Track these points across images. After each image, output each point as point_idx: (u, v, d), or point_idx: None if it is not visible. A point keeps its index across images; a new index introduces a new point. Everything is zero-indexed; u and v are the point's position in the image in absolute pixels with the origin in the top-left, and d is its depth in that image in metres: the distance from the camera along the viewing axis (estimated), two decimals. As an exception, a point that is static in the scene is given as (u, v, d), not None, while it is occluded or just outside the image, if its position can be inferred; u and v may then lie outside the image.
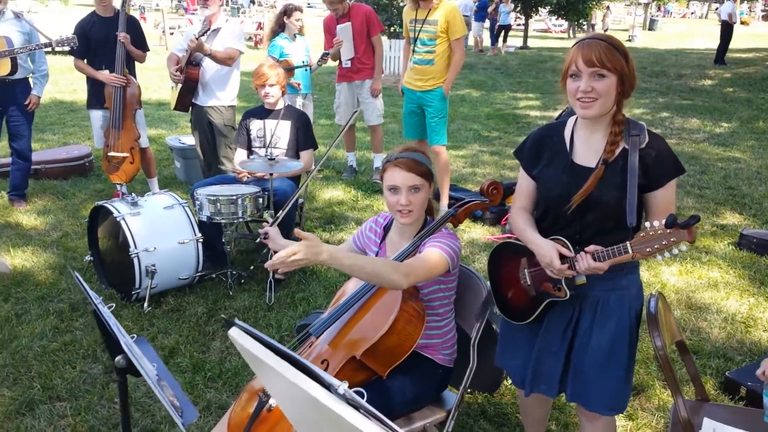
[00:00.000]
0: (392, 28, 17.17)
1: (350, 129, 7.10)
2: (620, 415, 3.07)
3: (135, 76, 5.63)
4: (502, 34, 21.44)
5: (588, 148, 2.14)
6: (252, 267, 4.57)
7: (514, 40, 24.10)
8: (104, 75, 5.41)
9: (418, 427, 2.42)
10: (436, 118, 5.69)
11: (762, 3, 48.21)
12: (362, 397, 1.51)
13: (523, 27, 25.14)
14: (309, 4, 39.21)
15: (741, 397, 3.17)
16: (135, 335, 2.14)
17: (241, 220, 4.31)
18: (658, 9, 44.23)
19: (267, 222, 4.29)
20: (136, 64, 5.73)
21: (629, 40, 25.29)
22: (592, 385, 2.22)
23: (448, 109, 5.83)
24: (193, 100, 5.59)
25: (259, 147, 4.72)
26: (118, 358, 1.96)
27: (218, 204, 4.16)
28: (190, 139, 6.24)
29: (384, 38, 15.86)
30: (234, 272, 4.45)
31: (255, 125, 4.75)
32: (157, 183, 6.21)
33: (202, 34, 5.26)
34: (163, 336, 3.78)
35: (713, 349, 3.67)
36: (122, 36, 5.36)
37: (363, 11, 6.61)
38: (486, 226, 5.61)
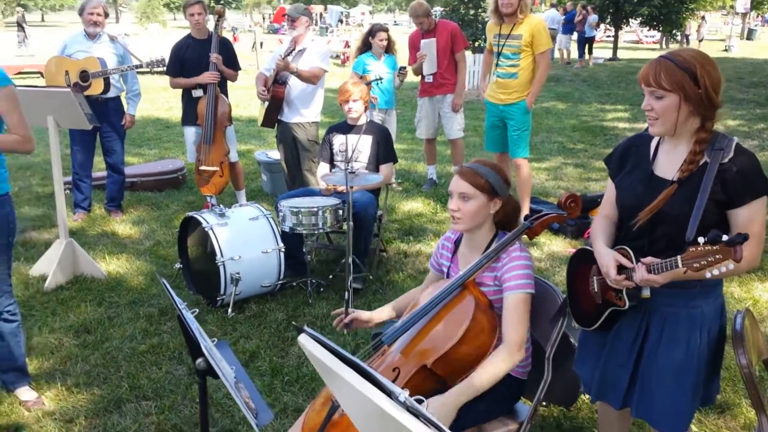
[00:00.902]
0: (476, 43, 17.16)
1: (431, 142, 7.15)
2: (704, 435, 2.96)
3: (226, 95, 5.89)
4: (586, 45, 21.01)
5: (670, 160, 2.10)
6: (331, 276, 4.67)
7: (604, 52, 23.56)
8: (200, 77, 5.65)
9: (490, 438, 2.42)
10: (518, 131, 5.65)
11: None
12: (422, 405, 1.54)
13: (612, 38, 24.53)
14: (396, 22, 39.67)
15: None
16: (216, 339, 2.25)
17: (321, 230, 4.43)
18: (757, 17, 42.18)
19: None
20: (228, 83, 5.98)
21: (726, 50, 24.28)
22: (657, 403, 2.17)
23: (532, 122, 5.79)
24: (278, 117, 5.79)
25: (341, 161, 4.84)
26: (199, 360, 2.06)
27: (300, 215, 4.29)
28: (276, 154, 6.45)
29: (468, 53, 15.91)
30: (313, 281, 4.57)
31: (338, 140, 4.87)
32: (244, 195, 6.45)
33: (288, 54, 5.45)
34: (245, 340, 3.91)
35: (809, 370, 3.47)
36: (214, 57, 5.61)
37: (449, 28, 6.69)
38: (568, 239, 5.51)
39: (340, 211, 4.42)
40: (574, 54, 21.67)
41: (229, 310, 4.21)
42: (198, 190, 6.23)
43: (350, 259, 4.37)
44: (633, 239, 2.15)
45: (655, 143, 2.18)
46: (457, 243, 2.64)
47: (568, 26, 21.07)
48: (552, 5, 23.03)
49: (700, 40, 27.30)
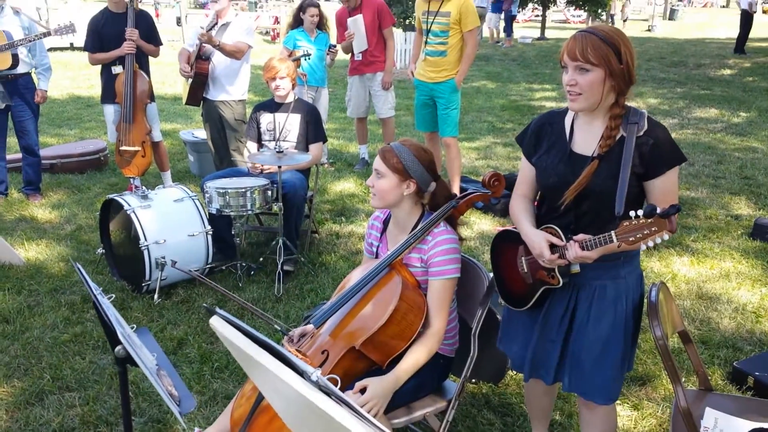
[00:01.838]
0: (407, 21, 17.12)
1: (362, 121, 7.11)
2: (626, 404, 3.07)
3: (147, 71, 5.68)
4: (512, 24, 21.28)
5: (587, 136, 2.12)
6: (261, 259, 4.60)
7: (532, 31, 23.92)
8: (119, 49, 5.43)
9: (419, 416, 2.43)
10: (448, 110, 5.67)
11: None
12: (336, 385, 1.52)
13: (540, 18, 24.92)
14: (326, -3, 39.17)
15: (749, 387, 3.14)
16: (135, 325, 2.17)
17: (250, 212, 4.33)
18: (679, -3, 43.56)
19: (277, 213, 4.33)
20: (151, 58, 5.78)
21: (649, 30, 24.98)
22: (588, 374, 2.22)
23: (461, 101, 5.81)
24: (204, 95, 5.63)
25: (269, 140, 4.75)
26: (118, 347, 1.98)
27: (227, 197, 4.19)
28: (203, 133, 6.29)
29: (398, 31, 15.87)
30: (243, 264, 4.49)
31: (265, 118, 4.77)
32: (170, 176, 6.27)
33: (211, 28, 5.30)
34: (172, 327, 3.82)
35: (722, 339, 3.64)
36: (129, 32, 5.39)
37: (374, 4, 6.59)
38: (496, 218, 5.59)
39: (270, 192, 4.34)
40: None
41: (156, 296, 4.09)
42: (120, 172, 6.02)
43: (281, 241, 4.32)
44: (558, 216, 2.18)
45: (569, 120, 2.19)
46: (386, 222, 2.63)
47: (497, 5, 21.25)
48: (481, -17, 23.15)
49: (625, 20, 27.99)
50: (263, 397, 2.32)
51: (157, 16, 25.22)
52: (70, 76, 13.36)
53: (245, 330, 1.31)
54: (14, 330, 3.77)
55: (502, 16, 20.73)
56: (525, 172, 2.33)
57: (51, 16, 16.83)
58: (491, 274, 2.50)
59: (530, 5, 25.62)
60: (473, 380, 3.24)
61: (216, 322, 1.33)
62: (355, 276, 2.57)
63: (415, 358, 2.28)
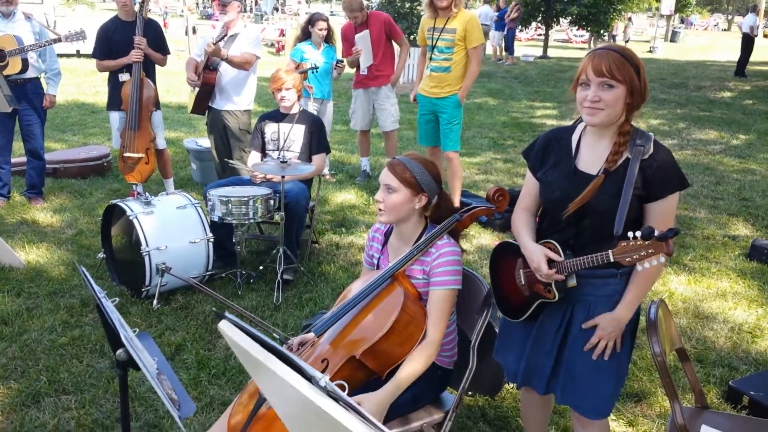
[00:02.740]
0: (411, 36, 17.24)
1: (365, 134, 7.15)
2: (621, 421, 3.08)
3: (154, 79, 5.72)
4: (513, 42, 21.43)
5: (593, 155, 2.15)
6: (261, 267, 4.62)
7: (534, 50, 24.06)
8: (127, 57, 5.47)
9: (416, 428, 2.44)
10: (450, 125, 5.71)
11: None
12: (344, 391, 1.54)
13: (543, 37, 25.09)
14: (332, 12, 39.42)
15: (744, 406, 3.15)
16: (137, 329, 2.19)
17: (251, 221, 4.36)
18: (681, 21, 43.88)
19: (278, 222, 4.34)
20: (158, 67, 5.82)
21: (650, 51, 25.14)
22: (582, 388, 2.24)
23: (463, 116, 5.85)
24: (209, 104, 5.67)
25: (273, 150, 4.78)
26: (119, 351, 2.00)
27: (230, 205, 4.21)
28: (206, 142, 6.33)
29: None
30: (243, 272, 4.50)
31: (270, 128, 4.80)
32: (173, 184, 6.30)
33: (220, 40, 5.35)
34: (171, 333, 3.83)
35: (718, 358, 3.66)
36: (137, 39, 5.44)
37: (381, 19, 6.67)
38: (495, 232, 5.62)
39: (272, 201, 4.37)
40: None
41: (155, 302, 4.10)
42: (123, 178, 6.04)
43: (281, 250, 4.34)
44: (558, 231, 2.20)
45: (576, 137, 2.21)
46: (387, 234, 2.65)
47: (501, 23, 21.40)
48: (485, 2, 23.32)
49: (627, 41, 28.21)
50: (261, 404, 2.33)
51: (165, 26, 25.37)
52: (76, 82, 13.42)
53: (254, 334, 1.33)
54: (12, 332, 3.78)
55: (505, 33, 20.86)
56: (529, 186, 2.36)
57: (58, 22, 16.95)
58: (489, 286, 2.52)
59: (533, 24, 25.79)
60: (470, 393, 3.25)
61: (225, 326, 1.35)
62: (355, 287, 2.58)
63: (412, 367, 2.29)
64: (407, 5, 18.92)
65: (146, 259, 4.05)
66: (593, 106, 2.03)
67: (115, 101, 5.71)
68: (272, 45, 22.13)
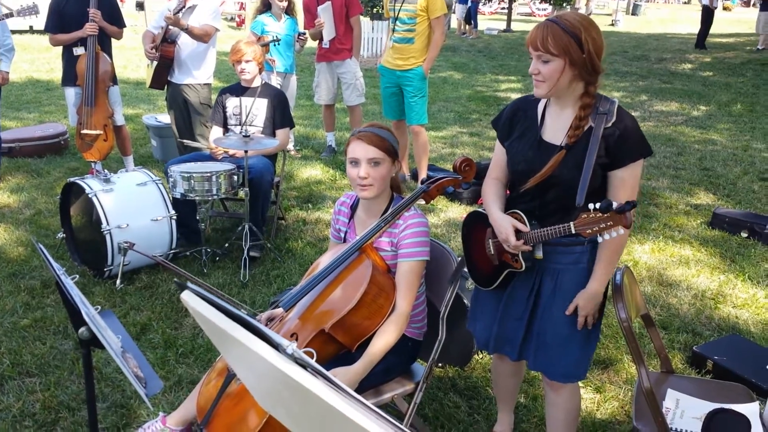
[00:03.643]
0: (374, 10, 17.09)
1: (329, 108, 7.06)
2: (588, 388, 3.12)
3: (110, 53, 5.55)
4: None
5: (557, 125, 2.14)
6: (227, 245, 4.55)
7: (498, 23, 24.04)
8: (81, 30, 5.28)
9: (387, 399, 2.44)
10: (416, 98, 5.68)
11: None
12: (312, 358, 1.51)
13: (506, 10, 25.06)
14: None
15: (708, 371, 3.22)
16: (99, 307, 2.13)
17: (215, 197, 4.27)
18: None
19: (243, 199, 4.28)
20: (114, 41, 5.64)
21: (612, 25, 25.32)
22: (553, 354, 2.26)
23: (429, 90, 5.81)
24: (168, 78, 5.53)
25: (235, 125, 4.68)
26: (82, 329, 1.94)
27: (192, 181, 4.12)
28: (166, 118, 6.19)
29: (366, 19, 15.79)
30: (208, 250, 4.43)
31: (231, 102, 4.70)
32: (132, 161, 6.15)
33: (178, 11, 5.20)
34: (136, 312, 3.76)
35: (682, 324, 3.72)
36: (92, 12, 5.26)
37: None
38: (463, 205, 5.62)
39: (235, 177, 4.29)
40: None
41: (118, 282, 4.02)
42: (81, 156, 5.89)
43: (247, 227, 4.27)
44: (525, 202, 2.21)
45: (542, 107, 2.21)
46: (353, 207, 2.62)
47: (464, -5, 21.31)
48: (449, -26, 23.17)
49: (589, 14, 28.34)
50: (230, 381, 2.30)
51: (122, 1, 24.67)
52: (30, 59, 13.00)
53: (218, 304, 1.29)
54: (-29, 315, 3.68)
55: (469, 5, 20.78)
56: (498, 155, 2.35)
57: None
58: (459, 257, 2.51)
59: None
60: (440, 364, 3.27)
61: (188, 297, 1.31)
62: (323, 261, 2.56)
63: (383, 340, 2.27)
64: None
65: (107, 237, 3.95)
66: (535, 79, 2.05)
67: (69, 76, 5.54)
68: (232, 19, 21.71)
